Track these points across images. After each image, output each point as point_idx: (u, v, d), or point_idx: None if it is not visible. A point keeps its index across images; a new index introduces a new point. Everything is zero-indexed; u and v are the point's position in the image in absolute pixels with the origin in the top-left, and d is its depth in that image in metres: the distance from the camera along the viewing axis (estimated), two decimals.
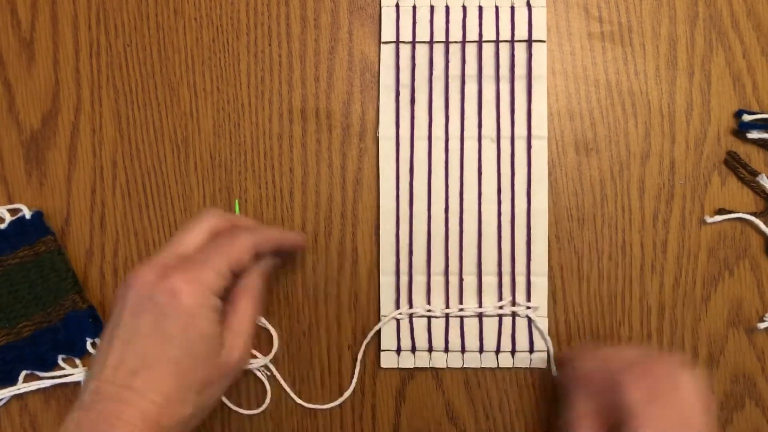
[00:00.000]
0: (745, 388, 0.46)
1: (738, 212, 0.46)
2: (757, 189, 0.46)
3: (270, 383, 0.46)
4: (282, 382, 0.46)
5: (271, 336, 0.46)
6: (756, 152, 0.46)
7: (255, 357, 0.46)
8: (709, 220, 0.46)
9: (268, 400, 0.46)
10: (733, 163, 0.46)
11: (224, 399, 0.46)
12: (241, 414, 0.46)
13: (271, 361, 0.46)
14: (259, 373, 0.46)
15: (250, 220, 0.44)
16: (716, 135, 0.46)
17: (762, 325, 0.46)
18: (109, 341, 0.36)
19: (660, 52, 0.47)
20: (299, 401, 0.46)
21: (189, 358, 0.36)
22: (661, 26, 0.47)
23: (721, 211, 0.46)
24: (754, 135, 0.46)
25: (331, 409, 0.47)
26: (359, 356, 0.46)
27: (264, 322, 0.46)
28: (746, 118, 0.46)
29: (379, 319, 0.46)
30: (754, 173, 0.46)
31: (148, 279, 0.36)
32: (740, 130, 0.46)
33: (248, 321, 0.40)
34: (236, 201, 0.47)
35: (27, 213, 0.46)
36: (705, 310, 0.46)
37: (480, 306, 0.46)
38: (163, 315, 0.35)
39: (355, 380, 0.46)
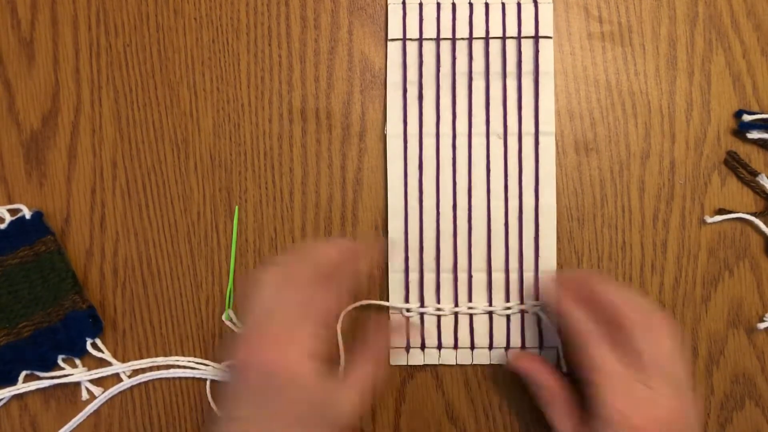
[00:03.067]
0: (745, 388, 0.46)
1: (738, 212, 0.46)
2: (757, 189, 0.46)
3: None
4: None
5: None
6: (756, 152, 0.46)
7: None
8: (709, 220, 0.46)
9: None
10: (733, 163, 0.46)
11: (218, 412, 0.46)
12: None
13: None
14: None
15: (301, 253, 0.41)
16: (716, 135, 0.46)
17: (762, 325, 0.46)
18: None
19: (660, 52, 0.47)
20: None
21: (299, 426, 0.35)
22: (661, 26, 0.47)
23: (721, 211, 0.46)
24: (754, 135, 0.46)
25: None
26: (338, 327, 0.46)
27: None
28: (746, 118, 0.46)
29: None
30: (754, 173, 0.46)
31: (242, 357, 0.36)
32: (740, 130, 0.46)
33: (364, 378, 0.39)
34: (236, 207, 0.47)
35: (27, 213, 0.46)
36: (705, 310, 0.46)
37: (490, 304, 0.46)
38: (268, 390, 0.35)
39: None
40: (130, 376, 0.46)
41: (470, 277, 0.46)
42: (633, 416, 0.36)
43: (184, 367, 0.46)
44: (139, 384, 0.47)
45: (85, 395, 0.46)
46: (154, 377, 0.46)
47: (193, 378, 0.47)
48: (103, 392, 0.46)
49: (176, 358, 0.47)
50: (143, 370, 0.47)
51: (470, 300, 0.46)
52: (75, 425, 0.46)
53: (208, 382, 0.46)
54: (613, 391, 0.37)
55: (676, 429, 0.36)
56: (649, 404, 0.36)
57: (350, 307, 0.46)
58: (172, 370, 0.46)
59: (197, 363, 0.46)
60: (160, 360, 0.46)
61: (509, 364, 0.44)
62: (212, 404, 0.46)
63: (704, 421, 0.46)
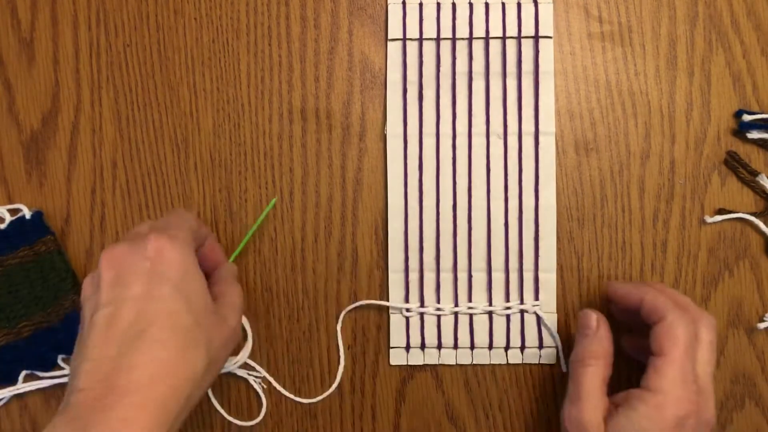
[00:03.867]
0: (745, 388, 0.46)
1: (738, 212, 0.46)
2: (757, 189, 0.46)
3: (266, 387, 0.46)
4: (272, 380, 0.46)
5: (270, 361, 0.46)
6: (756, 152, 0.46)
7: (244, 364, 0.46)
8: (709, 220, 0.46)
9: (263, 410, 0.46)
10: (733, 163, 0.46)
11: (219, 408, 0.47)
12: (240, 420, 0.47)
13: (268, 363, 0.46)
14: (255, 385, 0.46)
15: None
16: (716, 135, 0.46)
17: (762, 325, 0.46)
18: (91, 322, 0.34)
19: (660, 52, 0.47)
20: (288, 394, 0.46)
21: (187, 310, 0.35)
22: (661, 26, 0.47)
23: (721, 211, 0.46)
24: (754, 135, 0.46)
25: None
26: (338, 327, 0.46)
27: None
28: (746, 118, 0.46)
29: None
30: (754, 173, 0.46)
31: (124, 250, 0.36)
32: (740, 130, 0.46)
33: (236, 296, 0.40)
34: (273, 201, 0.46)
35: (27, 213, 0.46)
36: (705, 310, 0.46)
37: (490, 304, 0.46)
38: (155, 273, 0.35)
39: (342, 359, 0.46)
40: None
41: (470, 276, 0.46)
42: (681, 405, 0.36)
43: None
44: None
45: None
46: None
47: None
48: None
49: None
50: None
51: (470, 300, 0.46)
52: None
53: None
54: (676, 374, 0.37)
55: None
56: (696, 398, 0.37)
57: (350, 307, 0.46)
58: None
59: None
60: None
61: (610, 291, 0.43)
62: (214, 402, 0.46)
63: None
